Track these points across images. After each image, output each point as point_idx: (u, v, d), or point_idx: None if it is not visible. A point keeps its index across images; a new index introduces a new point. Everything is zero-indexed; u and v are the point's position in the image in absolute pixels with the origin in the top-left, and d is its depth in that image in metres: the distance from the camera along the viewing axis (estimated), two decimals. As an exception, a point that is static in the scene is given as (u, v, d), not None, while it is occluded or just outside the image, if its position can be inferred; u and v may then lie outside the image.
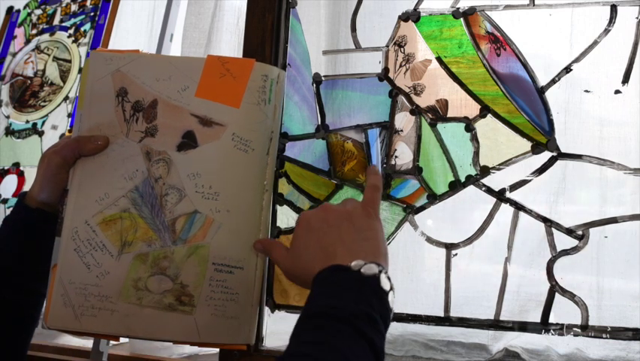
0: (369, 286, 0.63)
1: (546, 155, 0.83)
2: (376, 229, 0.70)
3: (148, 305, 0.82)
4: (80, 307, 0.82)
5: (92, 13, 1.39)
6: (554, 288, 0.80)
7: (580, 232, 0.81)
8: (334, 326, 0.59)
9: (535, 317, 0.81)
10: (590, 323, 0.78)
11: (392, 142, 0.91)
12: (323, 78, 0.97)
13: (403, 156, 0.90)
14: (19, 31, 1.48)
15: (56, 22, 1.44)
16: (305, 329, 0.61)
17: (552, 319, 0.80)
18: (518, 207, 0.84)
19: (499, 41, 0.87)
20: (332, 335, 0.58)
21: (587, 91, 0.83)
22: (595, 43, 0.83)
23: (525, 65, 0.85)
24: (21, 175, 1.33)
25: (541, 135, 0.84)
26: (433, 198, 0.88)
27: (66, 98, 1.34)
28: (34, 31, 1.46)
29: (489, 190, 0.85)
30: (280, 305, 0.93)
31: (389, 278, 0.64)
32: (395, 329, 0.92)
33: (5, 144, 1.37)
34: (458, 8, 0.90)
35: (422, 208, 0.89)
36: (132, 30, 1.41)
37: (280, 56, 0.99)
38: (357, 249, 0.66)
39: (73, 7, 1.43)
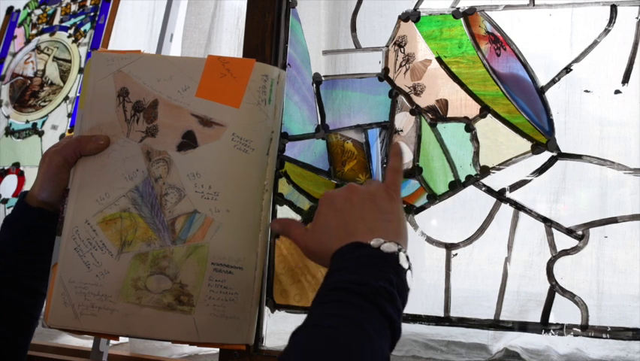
0: (389, 263, 0.64)
1: (546, 155, 0.83)
2: (398, 211, 0.72)
3: (147, 305, 0.82)
4: (79, 306, 0.82)
5: (92, 13, 1.39)
6: (554, 288, 0.80)
7: (580, 232, 0.81)
8: (354, 300, 0.60)
9: (535, 317, 0.81)
10: (590, 323, 0.78)
11: (392, 142, 0.91)
12: (323, 78, 0.97)
13: (403, 156, 0.90)
14: (19, 31, 1.49)
15: (56, 22, 1.44)
16: (324, 302, 0.62)
17: (552, 319, 0.80)
18: (518, 207, 0.84)
19: (499, 41, 0.87)
20: (351, 308, 0.59)
21: (587, 91, 0.83)
22: (595, 43, 0.83)
23: (525, 65, 0.85)
24: (21, 175, 1.33)
25: (541, 135, 0.84)
26: (433, 198, 0.88)
27: (66, 98, 1.34)
28: (34, 31, 1.46)
29: (489, 190, 0.85)
30: (280, 305, 0.93)
31: (408, 257, 0.66)
32: (395, 328, 0.92)
33: (5, 144, 1.37)
34: (458, 8, 0.90)
35: (422, 208, 0.89)
36: (132, 30, 1.41)
37: (280, 56, 0.99)
38: (378, 228, 0.68)
39: (73, 7, 1.43)
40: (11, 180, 1.34)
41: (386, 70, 0.93)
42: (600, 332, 0.78)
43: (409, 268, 0.65)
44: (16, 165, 1.34)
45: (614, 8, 0.82)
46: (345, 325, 0.57)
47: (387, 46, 0.94)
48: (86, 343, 1.21)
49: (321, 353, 0.54)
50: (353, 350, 0.55)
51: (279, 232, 0.82)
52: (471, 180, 0.86)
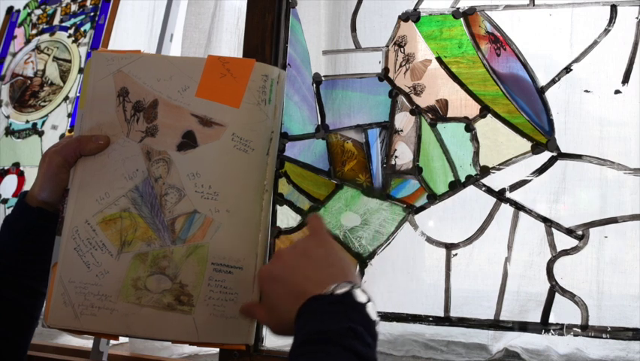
0: (346, 303, 0.64)
1: (546, 155, 0.83)
2: (334, 252, 0.72)
3: (147, 305, 0.82)
4: (79, 306, 0.82)
5: (92, 13, 1.39)
6: (554, 288, 0.80)
7: (580, 232, 0.81)
8: (322, 348, 0.60)
9: (535, 317, 0.81)
10: (590, 323, 0.78)
11: (392, 142, 0.91)
12: (323, 78, 0.97)
13: (403, 156, 0.90)
14: (19, 31, 1.49)
15: (56, 22, 1.44)
16: (295, 358, 0.62)
17: (552, 319, 0.80)
18: (518, 207, 0.84)
19: (499, 41, 0.87)
20: (322, 357, 0.59)
21: (587, 91, 0.83)
22: (595, 43, 0.83)
23: (525, 65, 0.85)
24: (21, 175, 1.33)
25: (541, 135, 0.84)
26: (433, 198, 0.88)
27: (66, 98, 1.34)
28: (34, 31, 1.46)
29: (489, 190, 0.85)
30: (280, 305, 0.92)
31: (364, 291, 0.65)
32: (395, 329, 0.92)
33: (5, 144, 1.37)
34: (458, 8, 0.90)
35: (422, 208, 0.89)
36: (132, 30, 1.41)
37: (280, 56, 0.99)
38: (324, 278, 0.67)
39: (73, 7, 1.43)
40: (11, 180, 1.34)
41: (386, 70, 0.93)
42: (600, 332, 0.78)
43: (369, 300, 0.65)
44: (16, 165, 1.34)
45: (614, 8, 0.82)
46: None
47: (387, 46, 0.94)
48: (86, 343, 1.21)
49: None
50: None
51: (248, 317, 0.81)
52: (471, 180, 0.86)
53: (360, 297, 0.64)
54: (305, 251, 0.71)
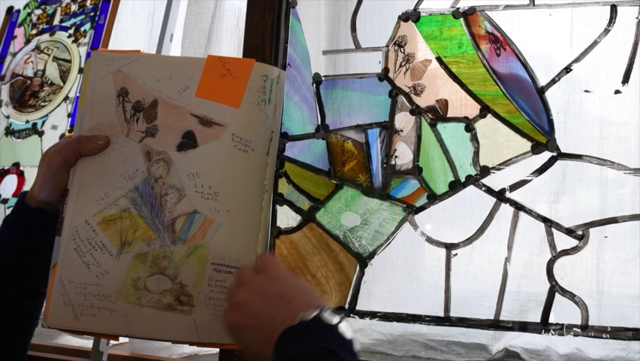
0: (316, 327, 0.64)
1: (546, 155, 0.83)
2: (291, 285, 0.71)
3: (147, 305, 0.82)
4: (79, 306, 0.82)
5: (92, 13, 1.39)
6: (554, 288, 0.80)
7: (580, 232, 0.81)
8: None
9: (535, 317, 0.81)
10: (590, 323, 0.78)
11: (392, 142, 0.91)
12: (323, 78, 0.97)
13: (403, 156, 0.90)
14: (19, 31, 1.49)
15: (56, 22, 1.44)
16: None
17: (552, 319, 0.80)
18: (518, 207, 0.84)
19: (499, 41, 0.87)
20: None
21: (587, 91, 0.83)
22: (595, 43, 0.83)
23: (525, 65, 0.85)
24: (21, 175, 1.33)
25: (541, 135, 0.84)
26: (433, 198, 0.88)
27: (66, 98, 1.34)
28: (34, 31, 1.46)
29: (489, 190, 0.85)
30: (280, 305, 0.92)
31: (332, 312, 0.65)
32: (395, 329, 0.92)
33: (5, 144, 1.37)
34: (458, 8, 0.90)
35: (422, 208, 0.89)
36: (132, 30, 1.41)
37: (280, 56, 0.99)
38: (289, 315, 0.66)
39: (73, 7, 1.43)
40: (11, 180, 1.34)
41: (386, 70, 0.93)
42: (600, 332, 0.78)
43: (340, 320, 0.64)
44: (16, 165, 1.34)
45: (614, 8, 0.82)
46: None
47: (387, 46, 0.94)
48: (86, 343, 1.21)
49: None
50: None
51: None
52: (471, 180, 0.86)
53: (330, 318, 0.64)
54: (262, 294, 0.70)
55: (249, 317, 0.70)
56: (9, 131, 1.38)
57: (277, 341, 0.65)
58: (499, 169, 0.85)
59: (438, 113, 0.89)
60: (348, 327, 0.64)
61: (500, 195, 0.85)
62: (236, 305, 0.72)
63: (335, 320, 0.64)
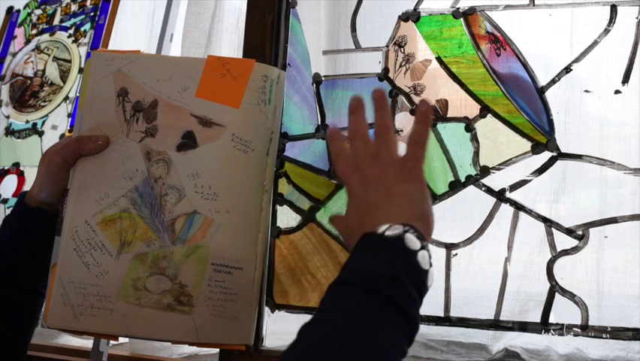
0: (392, 246, 0.60)
1: (546, 155, 0.83)
2: (412, 193, 0.65)
3: (147, 305, 0.82)
4: (79, 306, 0.82)
5: (92, 13, 1.39)
6: (554, 288, 0.80)
7: (580, 232, 0.81)
8: (354, 291, 0.57)
9: (535, 317, 0.81)
10: (590, 323, 0.78)
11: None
12: (323, 78, 0.97)
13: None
14: (19, 31, 1.49)
15: (56, 22, 1.44)
16: (328, 298, 0.60)
17: (552, 319, 0.80)
18: (518, 207, 0.84)
19: (499, 41, 0.87)
20: (351, 301, 0.57)
21: (587, 91, 0.83)
22: (595, 43, 0.83)
23: (525, 65, 0.85)
24: (21, 175, 1.33)
25: (541, 135, 0.84)
26: (433, 198, 0.88)
27: (66, 98, 1.34)
28: (34, 31, 1.46)
29: (489, 190, 0.85)
30: (280, 305, 0.93)
31: (420, 237, 0.60)
32: (395, 329, 0.92)
33: (5, 144, 1.37)
34: (458, 8, 0.90)
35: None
36: (132, 30, 1.41)
37: (280, 56, 0.99)
38: (385, 216, 0.63)
39: (73, 7, 1.43)
40: (11, 180, 1.34)
41: (386, 70, 0.93)
42: (600, 332, 0.78)
43: (423, 247, 0.60)
44: (16, 165, 1.34)
45: (614, 8, 0.82)
46: (345, 319, 0.55)
47: (387, 46, 0.94)
48: (86, 343, 1.21)
49: (322, 351, 0.53)
50: (354, 346, 0.53)
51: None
52: (471, 180, 0.86)
53: (411, 243, 0.59)
54: (386, 183, 0.66)
55: (364, 187, 0.67)
56: (9, 131, 1.38)
57: (358, 241, 0.63)
58: (499, 169, 0.85)
59: (438, 113, 0.89)
60: (425, 258, 0.60)
61: (500, 195, 0.85)
62: (364, 173, 0.68)
63: (417, 245, 0.60)
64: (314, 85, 0.97)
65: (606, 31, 0.82)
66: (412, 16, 0.93)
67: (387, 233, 0.60)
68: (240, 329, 0.83)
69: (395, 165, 0.67)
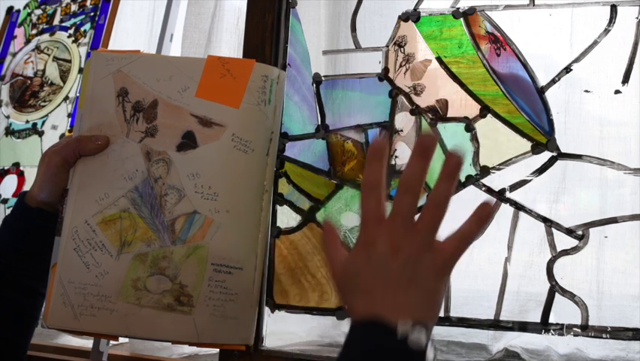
0: (402, 351, 0.51)
1: (546, 155, 0.83)
2: (439, 293, 0.57)
3: (147, 305, 0.82)
4: (79, 306, 0.82)
5: (92, 13, 1.39)
6: (554, 288, 0.80)
7: (580, 232, 0.81)
8: None
9: (535, 317, 0.81)
10: (590, 323, 0.78)
11: (392, 142, 0.91)
12: (323, 78, 0.97)
13: (403, 156, 0.90)
14: (19, 31, 1.49)
15: (56, 22, 1.44)
16: None
17: (552, 319, 0.80)
18: (518, 207, 0.84)
19: (499, 41, 0.87)
20: None
21: (587, 91, 0.83)
22: (595, 43, 0.83)
23: (525, 65, 0.85)
24: (21, 175, 1.33)
25: (541, 135, 0.84)
26: (433, 198, 0.88)
27: (66, 98, 1.34)
28: (34, 31, 1.46)
29: (489, 190, 0.85)
30: (280, 305, 0.92)
31: (423, 336, 0.52)
32: (395, 329, 0.92)
33: (5, 144, 1.37)
34: (458, 8, 0.90)
35: (422, 208, 0.88)
36: (132, 30, 1.41)
37: (280, 56, 0.99)
38: (405, 304, 0.54)
39: (73, 7, 1.43)
40: (11, 180, 1.34)
41: (386, 70, 0.93)
42: (600, 332, 0.78)
43: (426, 350, 0.52)
44: (16, 165, 1.34)
45: (614, 8, 0.82)
46: None
47: (387, 46, 0.94)
48: (86, 343, 1.21)
49: None
50: None
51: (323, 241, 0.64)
52: (471, 180, 0.86)
53: (417, 342, 0.51)
54: (415, 273, 0.55)
55: (386, 262, 0.55)
56: (9, 131, 1.38)
57: (365, 323, 0.54)
58: (499, 169, 0.85)
59: (438, 113, 0.89)
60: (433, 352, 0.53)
61: (500, 195, 0.85)
62: (394, 245, 0.56)
63: (418, 347, 0.51)
64: (314, 85, 0.97)
65: (606, 31, 0.82)
66: (412, 16, 0.93)
67: (411, 340, 0.52)
68: (240, 329, 0.83)
69: (433, 251, 0.57)
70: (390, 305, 0.54)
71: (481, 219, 0.60)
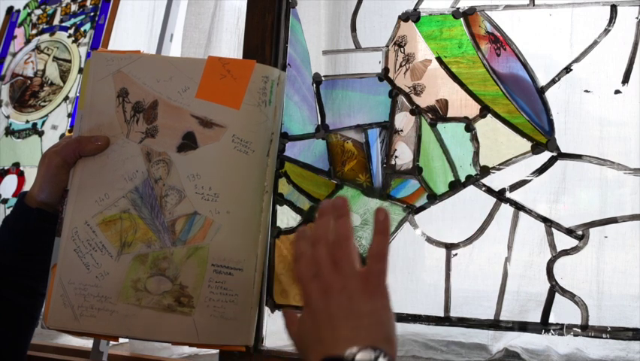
0: None
1: (546, 155, 0.83)
2: (378, 312, 0.61)
3: (147, 306, 0.82)
4: (79, 307, 0.82)
5: (92, 13, 1.39)
6: (554, 288, 0.80)
7: (580, 232, 0.81)
8: None
9: (535, 317, 0.81)
10: (590, 323, 0.78)
11: (392, 142, 0.91)
12: (323, 78, 0.97)
13: (403, 156, 0.90)
14: (19, 31, 1.48)
15: (56, 22, 1.44)
16: None
17: (552, 319, 0.80)
18: (518, 207, 0.84)
19: (499, 41, 0.87)
20: None
21: (587, 91, 0.83)
22: (595, 43, 0.83)
23: (525, 65, 0.85)
24: (21, 175, 1.33)
25: (541, 135, 0.84)
26: (433, 198, 0.88)
27: (66, 98, 1.34)
28: (34, 31, 1.46)
29: (489, 190, 0.85)
30: (280, 305, 0.93)
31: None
32: (395, 329, 0.92)
33: (5, 144, 1.37)
34: (458, 8, 0.90)
35: (422, 208, 0.89)
36: (132, 30, 1.40)
37: (280, 56, 0.99)
38: (348, 336, 0.58)
39: (73, 7, 1.43)
40: (11, 180, 1.34)
41: (386, 70, 0.93)
42: (600, 332, 0.78)
43: None
44: (16, 165, 1.34)
45: (614, 8, 0.82)
46: None
47: (387, 46, 0.94)
48: (86, 343, 1.21)
49: None
50: None
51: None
52: (471, 180, 0.86)
53: None
54: (349, 299, 0.60)
55: (322, 303, 0.61)
56: (9, 131, 1.38)
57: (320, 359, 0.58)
58: (499, 169, 0.85)
59: (438, 113, 0.89)
60: None
61: (500, 195, 0.85)
62: (324, 287, 0.62)
63: None
64: (314, 85, 0.97)
65: (606, 31, 0.82)
66: (412, 16, 0.93)
67: (358, 358, 0.55)
68: (240, 330, 0.83)
69: (358, 279, 0.62)
70: (334, 342, 0.58)
71: (382, 225, 0.64)
